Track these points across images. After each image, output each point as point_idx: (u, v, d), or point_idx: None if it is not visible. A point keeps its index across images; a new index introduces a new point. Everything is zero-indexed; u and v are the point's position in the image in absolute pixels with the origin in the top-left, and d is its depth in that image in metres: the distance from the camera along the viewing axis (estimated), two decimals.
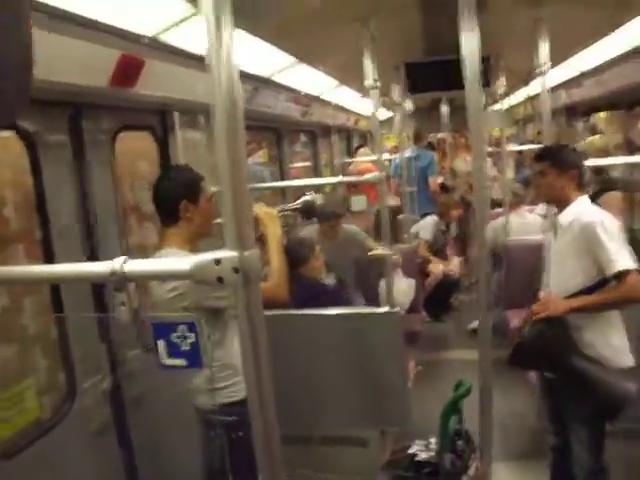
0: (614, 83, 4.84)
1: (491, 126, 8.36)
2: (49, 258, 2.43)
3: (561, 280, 2.78)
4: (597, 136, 7.24)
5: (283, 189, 5.52)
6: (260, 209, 2.57)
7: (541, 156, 2.94)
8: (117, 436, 2.70)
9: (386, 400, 3.34)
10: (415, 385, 4.03)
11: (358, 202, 3.96)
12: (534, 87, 5.75)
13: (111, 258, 2.65)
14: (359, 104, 7.25)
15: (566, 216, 2.77)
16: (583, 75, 5.05)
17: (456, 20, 2.13)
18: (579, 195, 2.80)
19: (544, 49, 3.40)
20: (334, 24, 3.43)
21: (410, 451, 2.76)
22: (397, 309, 3.41)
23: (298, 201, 3.13)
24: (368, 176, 3.44)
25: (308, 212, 3.17)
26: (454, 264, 6.25)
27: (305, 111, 5.52)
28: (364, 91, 6.51)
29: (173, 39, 2.71)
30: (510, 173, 7.06)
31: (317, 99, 5.57)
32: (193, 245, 2.48)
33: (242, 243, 0.96)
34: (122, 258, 1.04)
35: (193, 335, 1.11)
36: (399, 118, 6.46)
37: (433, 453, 2.70)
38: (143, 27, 2.53)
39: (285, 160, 5.87)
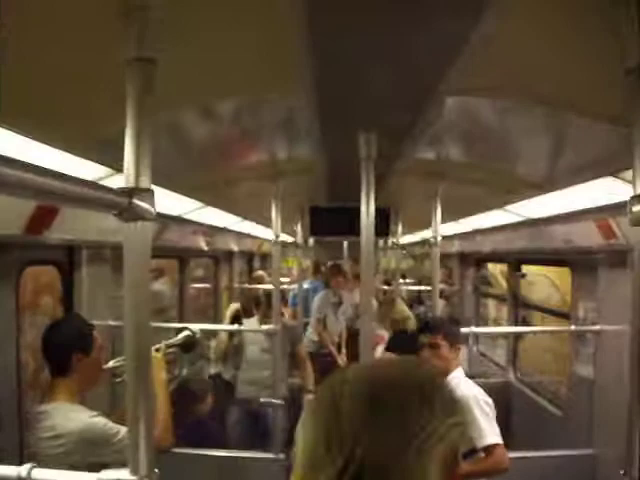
0: (500, 244, 5.36)
1: (388, 261, 8.89)
2: None
3: None
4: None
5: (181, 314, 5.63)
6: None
7: (435, 328, 3.12)
8: None
9: None
10: None
11: None
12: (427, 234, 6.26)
13: (6, 397, 2.60)
14: (263, 231, 7.53)
15: None
16: (475, 231, 5.55)
17: (358, 177, 2.42)
18: (458, 367, 3.05)
19: (437, 211, 3.79)
20: (244, 181, 3.70)
21: None
22: (282, 456, 3.52)
23: (179, 336, 3.20)
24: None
25: (188, 347, 3.24)
26: None
27: (209, 241, 5.72)
28: (267, 223, 6.79)
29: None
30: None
31: (222, 230, 5.78)
32: (81, 396, 2.44)
33: (141, 467, 1.09)
34: (29, 465, 1.14)
35: None
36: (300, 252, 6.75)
37: None
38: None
39: (186, 284, 5.98)
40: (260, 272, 7.91)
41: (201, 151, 2.87)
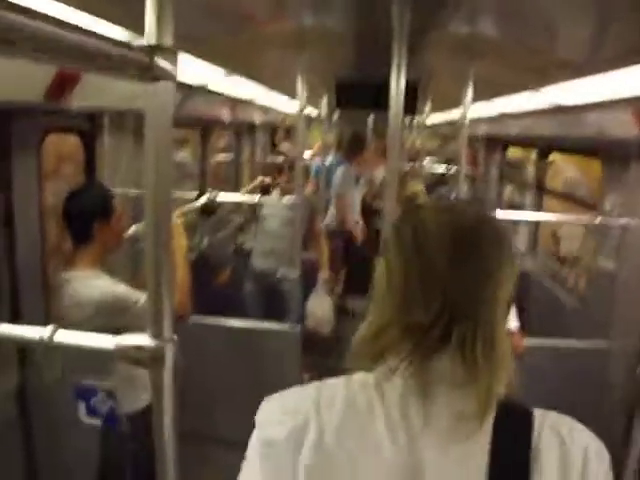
0: (529, 130, 5.20)
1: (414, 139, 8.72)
2: None
3: None
4: None
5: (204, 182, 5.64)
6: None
7: None
8: (21, 436, 2.74)
9: None
10: None
11: None
12: (456, 116, 6.07)
13: (30, 263, 2.66)
14: (287, 103, 7.38)
15: None
16: (504, 115, 5.37)
17: (389, 49, 2.33)
18: None
19: (468, 91, 3.65)
20: (270, 48, 3.56)
21: None
22: (298, 327, 3.62)
23: (199, 201, 3.20)
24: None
25: (208, 212, 3.25)
26: None
27: (232, 112, 5.62)
28: (292, 94, 6.63)
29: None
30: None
31: (246, 102, 5.67)
32: (103, 263, 2.50)
33: (163, 333, 1.12)
34: (51, 327, 1.17)
35: (111, 402, 1.25)
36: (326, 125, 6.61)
37: None
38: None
39: (208, 156, 5.95)
40: (285, 144, 7.81)
41: (226, 14, 2.74)
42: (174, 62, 1.09)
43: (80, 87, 2.63)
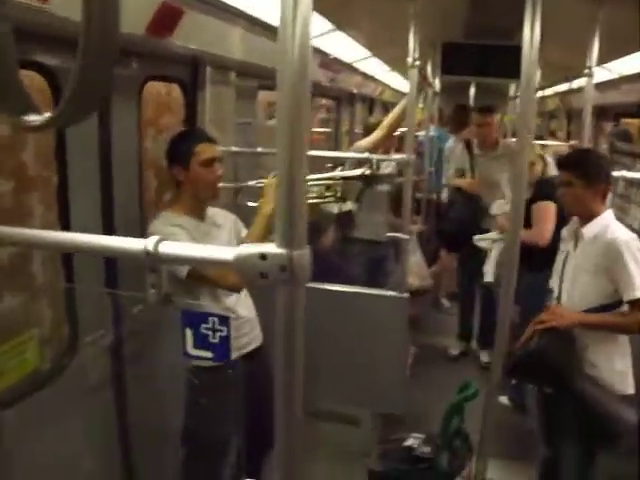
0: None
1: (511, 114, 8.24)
2: (63, 207, 2.35)
3: (573, 295, 2.63)
4: None
5: None
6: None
7: (568, 164, 2.74)
8: (113, 392, 2.66)
9: (383, 383, 3.32)
10: (411, 370, 4.03)
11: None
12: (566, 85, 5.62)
13: (127, 213, 2.57)
14: (386, 74, 7.11)
15: (590, 230, 2.60)
16: (621, 79, 4.89)
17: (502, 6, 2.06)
18: (605, 209, 2.64)
19: (594, 47, 3.27)
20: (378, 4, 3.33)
21: (406, 443, 2.73)
22: (405, 294, 3.37)
23: (356, 171, 3.07)
24: (397, 157, 3.38)
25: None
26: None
27: (333, 77, 5.38)
28: (393, 63, 6.34)
29: None
30: None
31: (346, 66, 5.43)
32: (197, 210, 2.52)
33: (293, 240, 0.89)
34: (155, 238, 0.97)
35: (225, 329, 1.03)
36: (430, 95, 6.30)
37: (429, 449, 2.67)
38: None
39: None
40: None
41: None
42: None
43: (183, 25, 2.48)
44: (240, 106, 3.53)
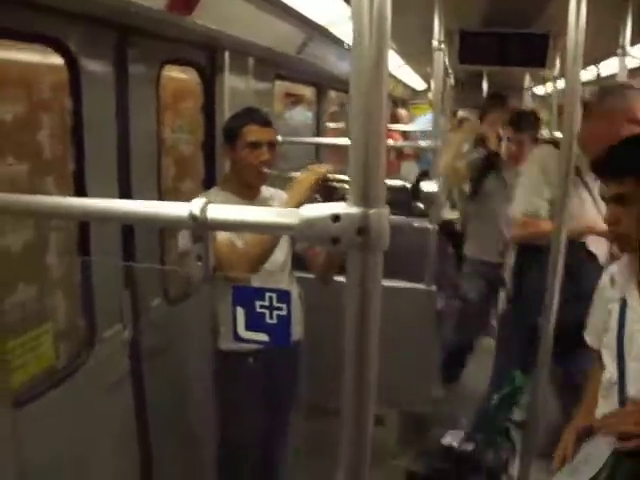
0: None
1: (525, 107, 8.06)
2: (80, 191, 2.23)
3: None
4: None
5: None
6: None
7: (621, 168, 1.67)
8: (132, 388, 2.54)
9: (410, 379, 3.19)
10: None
11: (408, 167, 3.78)
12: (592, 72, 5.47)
13: (145, 198, 2.44)
14: (397, 70, 6.99)
15: None
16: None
17: None
18: None
19: (626, 29, 3.12)
20: None
21: (444, 441, 2.58)
22: (434, 287, 3.25)
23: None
24: (423, 143, 3.25)
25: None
26: None
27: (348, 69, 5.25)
28: (406, 57, 6.21)
29: None
30: None
31: None
32: (245, 191, 2.48)
33: (369, 198, 0.75)
34: (201, 201, 0.83)
35: (285, 307, 0.88)
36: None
37: (471, 447, 2.52)
38: None
39: (322, 117, 5.60)
40: (401, 110, 7.44)
41: None
42: None
43: (201, 5, 2.35)
44: (257, 94, 3.42)
